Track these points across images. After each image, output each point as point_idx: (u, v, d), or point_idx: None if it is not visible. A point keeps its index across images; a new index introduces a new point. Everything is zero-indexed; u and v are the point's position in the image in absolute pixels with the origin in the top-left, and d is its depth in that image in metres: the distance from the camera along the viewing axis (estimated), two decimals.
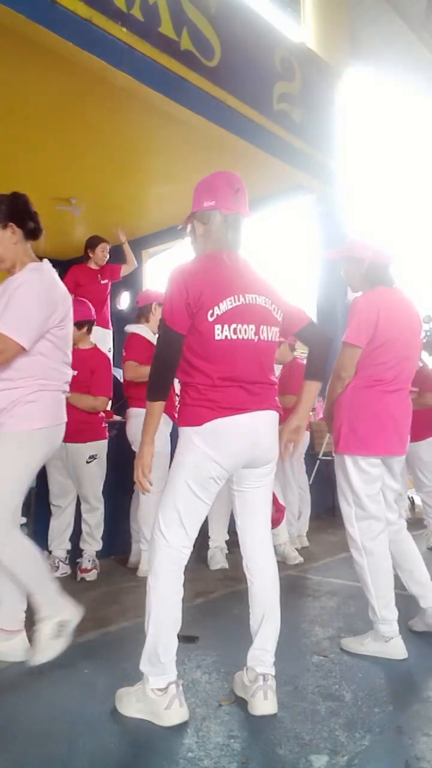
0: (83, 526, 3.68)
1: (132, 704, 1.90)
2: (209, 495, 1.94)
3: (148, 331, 3.75)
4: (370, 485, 2.43)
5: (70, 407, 3.51)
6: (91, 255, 5.48)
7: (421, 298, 2.82)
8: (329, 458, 5.08)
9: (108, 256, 5.54)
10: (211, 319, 1.87)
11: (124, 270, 5.67)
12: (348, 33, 6.66)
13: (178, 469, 1.92)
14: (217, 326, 1.87)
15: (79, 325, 3.72)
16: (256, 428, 1.93)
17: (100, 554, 3.74)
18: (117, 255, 5.80)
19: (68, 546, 3.65)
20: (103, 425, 3.74)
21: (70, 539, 3.68)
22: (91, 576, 3.58)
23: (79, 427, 3.54)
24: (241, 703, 1.97)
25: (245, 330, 1.90)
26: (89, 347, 3.75)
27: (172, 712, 1.85)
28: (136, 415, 3.63)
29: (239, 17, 4.99)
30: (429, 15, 6.95)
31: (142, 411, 3.59)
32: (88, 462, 3.59)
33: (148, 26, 4.20)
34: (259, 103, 5.17)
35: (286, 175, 5.70)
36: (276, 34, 5.46)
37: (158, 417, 1.97)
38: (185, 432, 1.91)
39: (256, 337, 1.93)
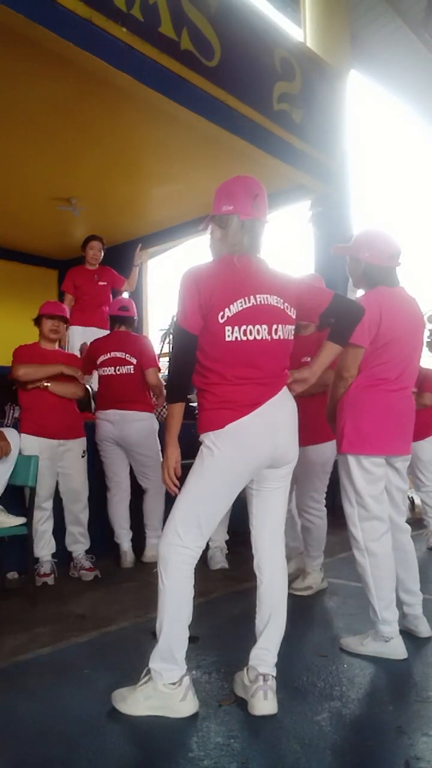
0: (76, 527, 3.68)
1: (140, 702, 1.91)
2: (231, 497, 1.98)
3: None
4: (373, 485, 2.42)
5: (63, 408, 3.58)
6: (83, 254, 5.49)
7: (424, 298, 2.81)
8: None
9: (100, 255, 5.50)
10: (221, 321, 1.89)
11: (125, 287, 5.62)
12: (348, 33, 6.65)
13: (200, 473, 1.93)
14: (228, 328, 1.90)
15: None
16: (276, 425, 1.95)
17: (100, 554, 3.75)
18: (115, 257, 5.78)
19: (54, 548, 3.65)
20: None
21: (63, 540, 3.69)
22: (91, 576, 3.58)
23: (72, 424, 3.68)
24: (241, 703, 1.97)
25: (257, 330, 1.92)
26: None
27: (188, 703, 1.90)
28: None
29: (239, 17, 4.99)
30: (429, 15, 6.93)
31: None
32: (82, 457, 3.69)
33: (148, 26, 4.19)
34: (259, 103, 5.16)
35: (286, 175, 5.69)
36: (276, 34, 5.46)
37: (179, 418, 1.99)
38: (207, 437, 1.93)
39: (269, 336, 1.95)
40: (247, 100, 5.03)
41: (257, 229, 2.02)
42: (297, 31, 6.01)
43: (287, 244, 7.29)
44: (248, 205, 2.00)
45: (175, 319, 1.99)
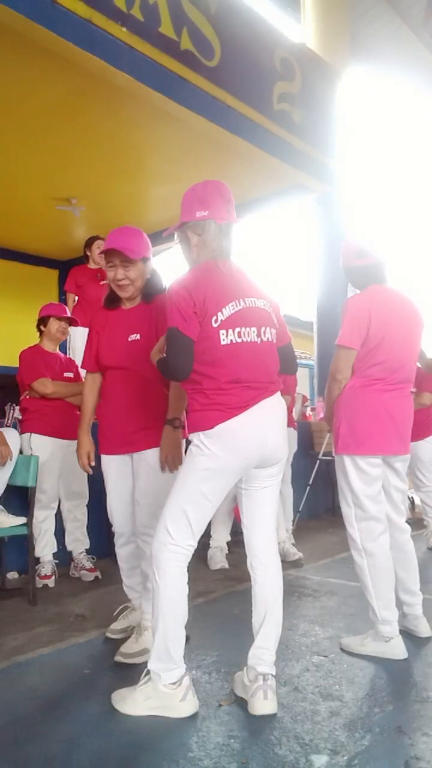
0: (76, 527, 3.68)
1: (140, 702, 1.91)
2: (219, 497, 1.98)
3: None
4: (369, 486, 2.42)
5: (71, 409, 3.58)
6: (88, 254, 5.49)
7: (422, 297, 2.83)
8: (329, 458, 5.08)
9: None
10: (215, 325, 1.91)
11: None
12: (348, 33, 6.66)
13: (189, 472, 1.94)
14: (222, 331, 1.91)
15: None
16: (265, 426, 1.96)
17: (100, 554, 3.75)
18: None
19: (55, 548, 3.65)
20: None
21: (63, 540, 3.69)
22: (92, 576, 3.58)
23: (77, 425, 3.65)
24: (241, 703, 1.97)
25: (248, 332, 1.95)
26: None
27: (187, 703, 1.90)
28: None
29: (239, 17, 4.99)
30: (429, 15, 6.95)
31: None
32: None
33: (148, 26, 4.19)
34: (259, 103, 5.16)
35: (286, 174, 5.70)
36: (276, 34, 5.46)
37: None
38: (196, 437, 1.94)
39: (258, 338, 1.98)
40: (247, 100, 5.03)
41: (231, 233, 2.05)
42: (297, 30, 6.01)
43: (287, 243, 7.30)
44: (223, 209, 2.02)
45: (171, 327, 1.91)
